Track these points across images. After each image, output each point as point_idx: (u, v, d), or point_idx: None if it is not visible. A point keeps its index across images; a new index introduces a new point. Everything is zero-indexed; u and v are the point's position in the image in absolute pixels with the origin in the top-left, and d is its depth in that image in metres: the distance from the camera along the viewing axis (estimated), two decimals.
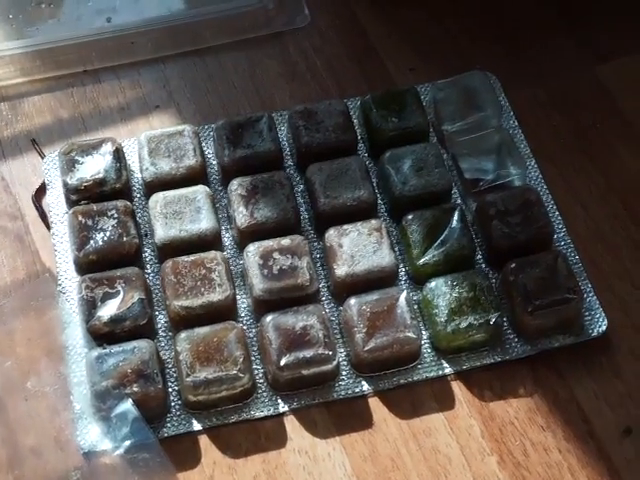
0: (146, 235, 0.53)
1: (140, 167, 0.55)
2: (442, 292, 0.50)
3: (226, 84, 0.60)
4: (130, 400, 0.46)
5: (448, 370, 0.50)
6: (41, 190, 0.56)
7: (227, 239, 0.54)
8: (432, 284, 0.50)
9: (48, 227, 0.54)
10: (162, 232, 0.52)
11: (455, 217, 0.52)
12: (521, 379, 0.49)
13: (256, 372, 0.49)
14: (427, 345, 0.50)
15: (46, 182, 0.55)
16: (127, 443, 0.45)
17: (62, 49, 0.60)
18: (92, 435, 0.47)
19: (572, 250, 0.53)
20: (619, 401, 0.49)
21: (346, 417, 0.48)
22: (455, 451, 0.47)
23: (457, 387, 0.49)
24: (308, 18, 0.63)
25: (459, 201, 0.55)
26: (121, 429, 0.46)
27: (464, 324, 0.49)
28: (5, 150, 0.57)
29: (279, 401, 0.49)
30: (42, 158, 0.56)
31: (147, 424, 0.46)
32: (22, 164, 0.57)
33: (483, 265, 0.53)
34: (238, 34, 0.62)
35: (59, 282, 0.52)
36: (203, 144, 0.56)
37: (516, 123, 0.58)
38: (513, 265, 0.50)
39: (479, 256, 0.53)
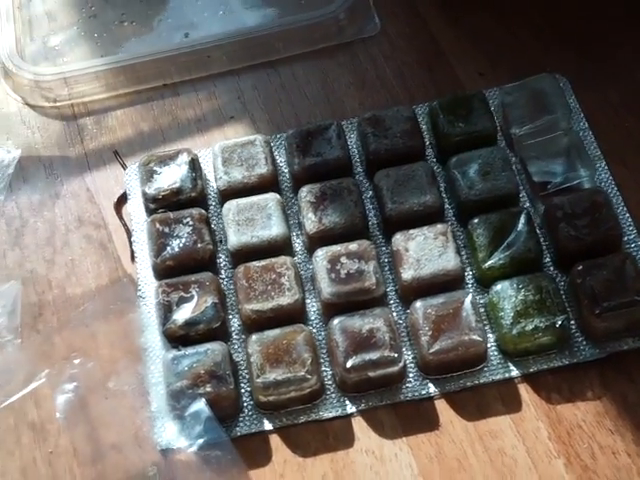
0: (220, 241, 0.55)
1: (214, 176, 0.57)
2: (508, 295, 0.50)
3: (298, 94, 0.62)
4: (203, 400, 0.48)
5: (515, 373, 0.50)
6: (122, 200, 0.58)
7: (298, 244, 0.55)
8: (498, 287, 0.50)
9: (129, 235, 0.56)
10: (235, 238, 0.54)
11: (521, 220, 0.52)
12: (589, 382, 0.49)
13: (325, 374, 0.50)
14: (494, 348, 0.51)
15: (127, 192, 0.58)
16: (200, 441, 0.47)
17: (143, 65, 0.63)
18: (168, 433, 0.49)
19: None
20: None
21: (412, 418, 0.49)
22: (521, 453, 0.48)
23: (524, 390, 0.50)
24: (378, 27, 0.64)
25: (527, 204, 0.55)
26: (195, 427, 0.48)
27: (530, 327, 0.49)
28: (90, 162, 0.60)
29: (347, 402, 0.50)
30: (124, 169, 0.59)
31: (219, 423, 0.48)
32: (105, 175, 0.60)
33: (551, 268, 0.53)
34: (310, 45, 0.64)
35: (139, 287, 0.54)
36: (275, 153, 0.58)
37: (586, 125, 0.57)
38: (580, 267, 0.50)
39: (547, 259, 0.53)
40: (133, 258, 0.55)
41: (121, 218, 0.57)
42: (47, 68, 0.63)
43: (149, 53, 0.63)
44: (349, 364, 0.49)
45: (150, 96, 0.63)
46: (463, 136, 0.56)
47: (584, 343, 0.50)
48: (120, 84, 0.63)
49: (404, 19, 0.65)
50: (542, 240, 0.53)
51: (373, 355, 0.49)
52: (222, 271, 0.55)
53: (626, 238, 0.53)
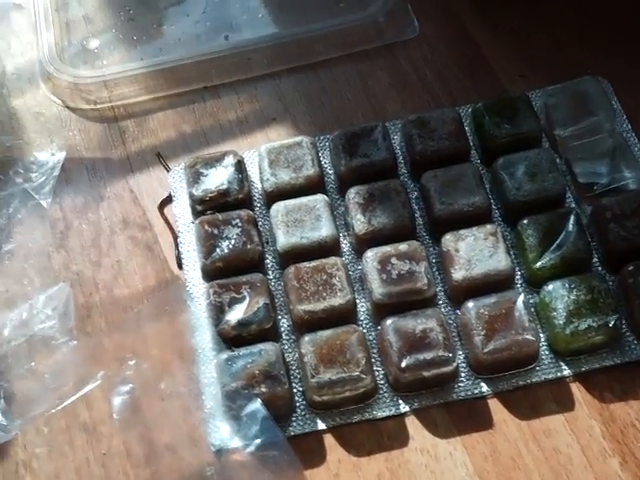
0: (267, 242, 0.56)
1: (260, 178, 0.57)
2: (560, 295, 0.50)
3: (339, 96, 0.62)
4: (259, 400, 0.48)
5: (567, 372, 0.50)
6: (166, 202, 0.58)
7: (345, 245, 0.55)
8: (550, 287, 0.51)
9: (175, 237, 0.56)
10: (284, 239, 0.54)
11: (571, 221, 0.52)
12: None
13: (377, 374, 0.51)
14: (545, 347, 0.51)
15: (172, 194, 0.58)
16: (257, 441, 0.48)
17: (183, 67, 0.63)
18: (223, 433, 0.49)
19: None
20: None
21: (466, 418, 0.50)
22: (576, 452, 0.48)
23: (576, 389, 0.50)
24: (417, 29, 0.64)
25: (573, 205, 0.55)
26: (251, 428, 0.48)
27: (583, 326, 0.49)
28: (133, 164, 0.60)
29: (400, 402, 0.50)
30: (167, 171, 0.59)
31: (275, 423, 0.48)
32: (149, 177, 0.60)
33: (599, 268, 0.53)
34: (349, 47, 0.64)
35: (187, 288, 0.54)
36: (320, 154, 0.58)
37: (629, 127, 0.58)
38: (631, 267, 0.50)
39: (594, 260, 0.53)
40: (180, 262, 0.55)
41: (166, 220, 0.57)
42: (86, 71, 0.64)
43: (189, 56, 0.63)
44: (404, 364, 0.49)
45: (191, 98, 0.63)
46: (508, 138, 0.56)
47: (635, 342, 0.50)
48: (160, 87, 0.63)
49: (443, 22, 0.65)
50: (590, 240, 0.53)
51: (427, 355, 0.49)
52: (270, 272, 0.55)
53: None
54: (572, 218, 0.53)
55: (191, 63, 0.63)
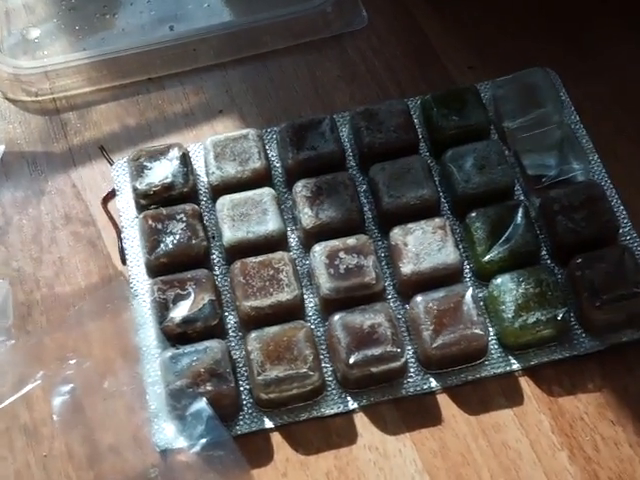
0: (213, 237, 0.55)
1: (206, 171, 0.56)
2: (508, 288, 0.50)
3: (287, 87, 0.61)
4: (204, 399, 0.47)
5: (516, 366, 0.50)
6: (109, 196, 0.57)
7: (292, 240, 0.54)
8: (498, 280, 0.50)
9: (118, 232, 0.55)
10: (230, 234, 0.53)
11: (519, 214, 0.52)
12: (590, 374, 0.49)
13: (325, 370, 0.50)
14: (494, 341, 0.50)
15: (115, 188, 0.57)
16: (203, 441, 0.47)
17: (127, 58, 0.61)
18: (167, 433, 0.48)
19: (638, 244, 0.53)
20: None
21: (415, 413, 0.49)
22: (525, 446, 0.48)
23: (525, 383, 0.50)
24: (366, 20, 0.63)
25: (522, 198, 0.55)
26: (196, 427, 0.47)
27: (531, 320, 0.49)
28: (75, 158, 0.59)
29: (348, 398, 0.49)
30: (111, 165, 0.58)
31: (221, 422, 0.47)
32: (92, 171, 0.58)
33: (548, 261, 0.53)
34: (297, 38, 0.63)
35: (130, 285, 0.53)
36: (267, 147, 0.57)
37: (577, 118, 0.58)
38: (579, 260, 0.50)
39: (543, 252, 0.53)
40: (124, 258, 0.54)
41: (110, 215, 0.56)
42: (27, 62, 0.62)
43: (133, 46, 0.62)
44: (352, 360, 0.48)
45: (135, 90, 0.61)
46: (457, 130, 0.56)
47: (583, 335, 0.50)
48: (103, 78, 0.62)
49: (392, 13, 0.64)
50: (538, 233, 0.53)
51: (376, 351, 0.48)
52: (216, 268, 0.54)
53: (621, 230, 0.53)
54: (521, 211, 0.52)
55: (135, 54, 0.62)
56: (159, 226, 0.53)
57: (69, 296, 0.53)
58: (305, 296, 0.52)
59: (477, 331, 0.49)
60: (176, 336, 0.50)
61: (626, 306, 0.49)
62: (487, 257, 0.51)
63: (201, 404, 0.47)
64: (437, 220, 0.52)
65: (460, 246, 0.53)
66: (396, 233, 0.52)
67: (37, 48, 0.63)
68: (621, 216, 0.54)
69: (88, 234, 0.56)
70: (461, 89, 0.57)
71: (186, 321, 0.50)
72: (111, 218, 0.56)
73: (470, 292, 0.50)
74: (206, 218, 0.55)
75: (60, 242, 0.55)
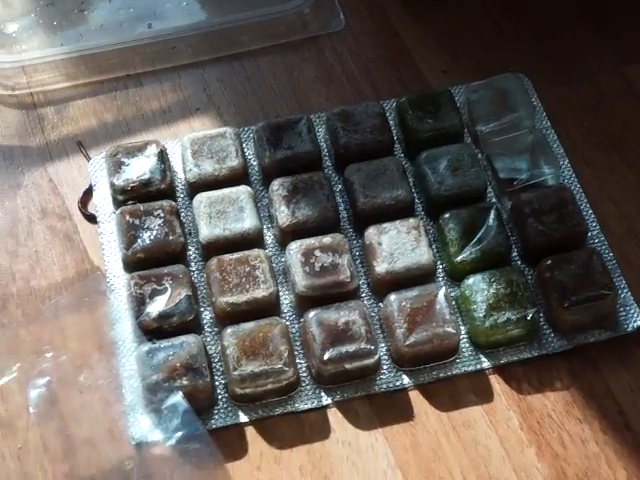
0: (190, 234, 0.55)
1: (183, 168, 0.56)
2: (480, 288, 0.51)
3: (264, 87, 0.62)
4: (180, 393, 0.48)
5: (486, 364, 0.51)
6: (87, 193, 0.57)
7: (268, 237, 0.55)
8: (470, 280, 0.51)
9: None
10: (207, 231, 0.53)
11: (491, 216, 0.53)
12: (558, 373, 0.51)
13: (299, 366, 0.51)
14: (465, 340, 0.51)
15: (92, 183, 0.57)
16: (178, 434, 0.47)
17: (105, 54, 0.62)
18: (143, 426, 0.48)
19: (606, 247, 0.54)
20: None
21: (388, 409, 0.50)
22: (494, 443, 0.49)
23: (495, 381, 0.51)
24: (343, 22, 0.64)
25: (494, 200, 0.56)
26: (172, 421, 0.47)
27: (502, 319, 0.50)
28: (52, 152, 0.59)
29: (322, 394, 0.50)
30: (88, 160, 0.58)
31: (196, 416, 0.48)
32: (69, 166, 0.58)
33: (519, 262, 0.54)
34: (275, 38, 0.63)
35: (107, 279, 0.53)
36: (244, 145, 0.58)
37: (549, 124, 0.59)
38: (549, 262, 0.52)
39: (514, 254, 0.54)
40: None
41: (85, 212, 0.56)
42: (4, 55, 0.62)
43: (111, 43, 0.62)
44: (326, 356, 0.49)
45: (113, 86, 0.62)
46: (431, 132, 0.57)
47: (552, 335, 0.51)
48: (81, 74, 0.62)
49: (368, 15, 0.65)
50: (509, 235, 0.54)
51: (350, 347, 0.49)
52: (192, 264, 0.54)
53: (590, 234, 0.54)
54: (493, 213, 0.53)
55: (113, 50, 0.62)
56: (136, 222, 0.53)
57: (45, 290, 0.54)
58: (280, 293, 0.53)
59: (449, 329, 0.50)
60: (152, 331, 0.50)
61: (593, 307, 0.50)
62: (459, 257, 0.52)
63: (177, 398, 0.47)
64: (411, 220, 0.53)
65: (433, 246, 0.54)
66: (371, 232, 0.53)
67: (14, 42, 0.63)
68: (590, 219, 0.55)
69: (64, 228, 0.56)
70: (436, 93, 0.58)
71: (162, 316, 0.50)
72: (87, 216, 0.56)
73: (443, 291, 0.51)
74: (183, 215, 0.56)
75: (36, 236, 0.56)
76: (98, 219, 0.56)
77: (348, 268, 0.52)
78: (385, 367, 0.51)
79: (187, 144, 0.56)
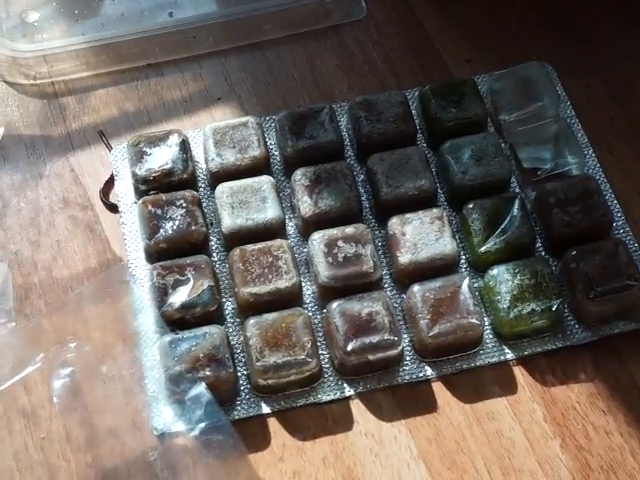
0: (212, 224, 0.55)
1: (205, 158, 0.56)
2: (504, 279, 0.51)
3: (285, 76, 0.62)
4: (203, 384, 0.48)
5: (510, 356, 0.51)
6: (109, 183, 0.57)
7: (291, 228, 0.55)
8: (494, 271, 0.51)
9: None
10: (229, 221, 0.53)
11: (516, 206, 0.53)
12: (582, 364, 0.50)
13: (322, 357, 0.50)
14: (489, 331, 0.51)
15: (114, 173, 0.57)
16: (201, 425, 0.47)
17: (126, 43, 0.62)
18: (166, 417, 0.48)
19: (631, 238, 0.53)
20: None
21: (410, 401, 0.50)
22: (518, 434, 0.48)
23: (519, 372, 0.50)
24: (365, 11, 0.64)
25: (517, 190, 0.56)
26: (195, 412, 0.47)
27: (526, 310, 0.50)
28: (74, 142, 0.59)
29: (345, 385, 0.50)
30: (109, 150, 0.58)
31: (219, 407, 0.48)
32: (90, 156, 0.58)
33: (543, 253, 0.53)
34: (296, 27, 0.63)
35: (129, 270, 0.53)
36: (266, 135, 0.57)
37: (573, 113, 0.58)
38: (574, 253, 0.51)
39: (538, 244, 0.54)
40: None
41: (106, 202, 0.56)
42: (25, 45, 0.62)
43: (132, 32, 0.62)
44: (349, 347, 0.49)
45: (134, 76, 0.62)
46: (455, 121, 0.56)
47: (577, 326, 0.51)
48: (102, 63, 0.62)
49: (390, 4, 0.65)
50: (534, 225, 0.54)
51: (373, 338, 0.49)
52: (214, 254, 0.54)
53: (615, 224, 0.54)
54: (517, 203, 0.53)
55: (134, 39, 0.62)
56: (159, 212, 0.53)
57: (67, 280, 0.54)
58: (303, 284, 0.53)
59: (473, 320, 0.49)
60: (175, 321, 0.50)
61: (619, 298, 0.50)
62: (483, 248, 0.52)
63: (200, 389, 0.47)
64: (435, 210, 0.53)
65: (457, 237, 0.53)
66: (394, 223, 0.53)
67: (36, 31, 0.63)
68: (615, 210, 0.54)
69: (86, 218, 0.56)
70: (459, 81, 0.58)
71: (185, 306, 0.50)
72: (107, 205, 0.56)
73: (467, 282, 0.50)
74: (205, 205, 0.55)
75: (58, 226, 0.56)
76: (120, 209, 0.56)
77: (371, 258, 0.51)
78: (408, 358, 0.51)
79: (209, 133, 0.56)
